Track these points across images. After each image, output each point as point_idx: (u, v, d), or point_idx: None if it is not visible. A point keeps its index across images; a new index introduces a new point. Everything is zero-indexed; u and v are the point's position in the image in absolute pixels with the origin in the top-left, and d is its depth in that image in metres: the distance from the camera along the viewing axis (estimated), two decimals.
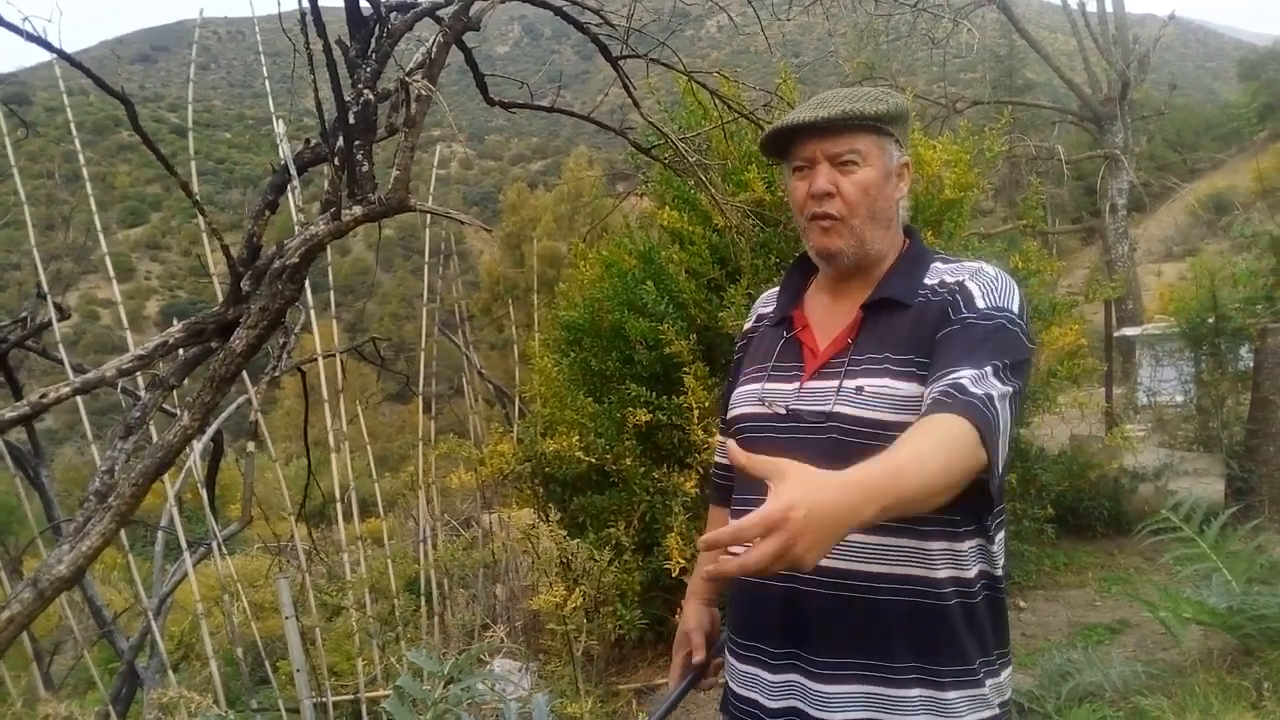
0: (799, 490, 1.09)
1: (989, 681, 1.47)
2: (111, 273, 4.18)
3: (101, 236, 4.26)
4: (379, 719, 3.70)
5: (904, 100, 1.59)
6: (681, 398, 4.53)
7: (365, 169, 2.40)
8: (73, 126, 4.24)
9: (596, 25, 3.11)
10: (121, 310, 4.25)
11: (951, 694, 1.43)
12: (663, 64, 3.45)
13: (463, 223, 2.91)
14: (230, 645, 4.36)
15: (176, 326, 2.59)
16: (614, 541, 4.46)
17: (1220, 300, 8.10)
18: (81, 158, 4.37)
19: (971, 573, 1.47)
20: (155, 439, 2.65)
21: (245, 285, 2.53)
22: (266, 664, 4.36)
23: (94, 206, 4.31)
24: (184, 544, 4.00)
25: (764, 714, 1.53)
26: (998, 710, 1.48)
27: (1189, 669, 3.95)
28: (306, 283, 3.43)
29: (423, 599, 4.87)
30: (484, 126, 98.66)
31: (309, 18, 2.19)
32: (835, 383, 1.51)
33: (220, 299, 2.61)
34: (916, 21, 15.31)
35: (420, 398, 5.17)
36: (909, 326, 1.50)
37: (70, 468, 11.51)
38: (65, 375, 3.70)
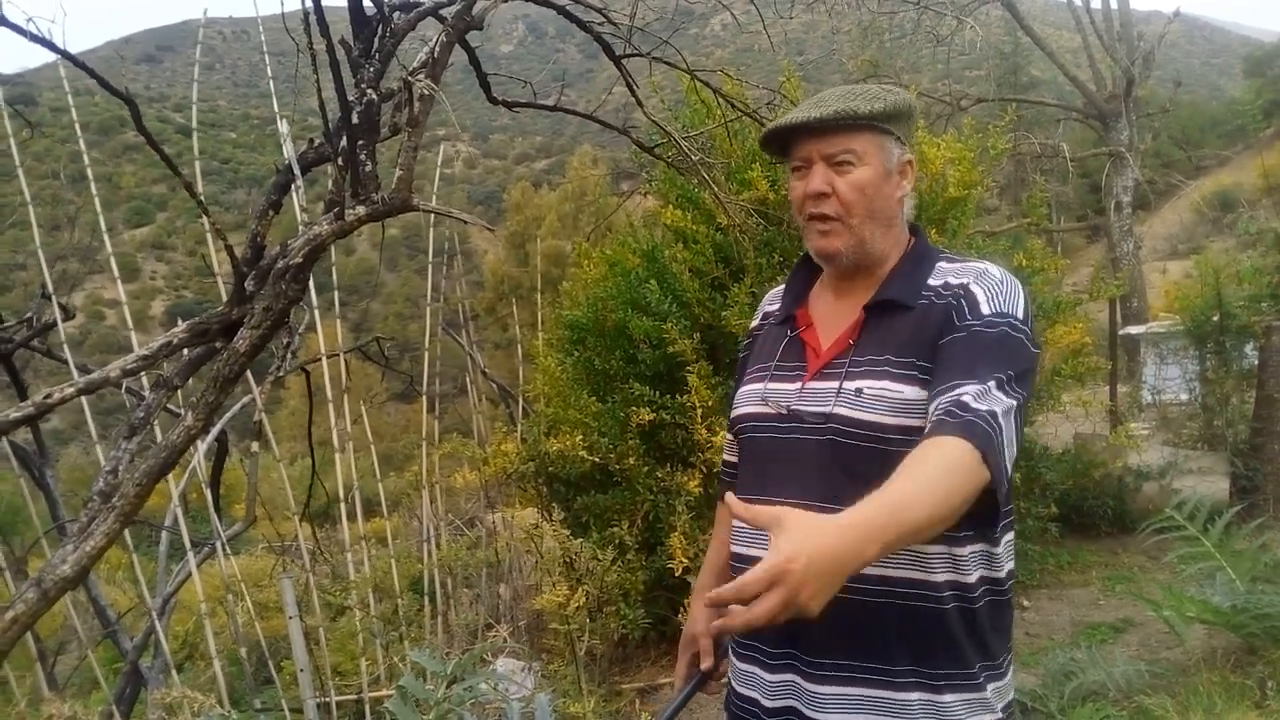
0: (798, 541, 1.11)
1: (990, 686, 1.46)
2: (116, 273, 4.19)
3: (106, 237, 4.27)
4: (383, 719, 3.71)
5: (907, 96, 1.58)
6: (685, 397, 4.53)
7: (369, 169, 2.40)
8: (78, 127, 4.25)
9: (600, 24, 3.10)
10: (126, 310, 4.26)
11: (949, 697, 1.43)
12: (666, 62, 3.45)
13: (466, 222, 2.91)
14: (234, 645, 4.37)
15: (180, 327, 2.59)
16: (617, 541, 4.46)
17: (1225, 298, 8.07)
18: (87, 158, 4.37)
19: (972, 578, 1.45)
20: (159, 439, 2.65)
21: (249, 285, 2.53)
22: (270, 664, 4.36)
23: (99, 207, 4.31)
24: (188, 544, 4.01)
25: (762, 713, 1.54)
26: (1000, 714, 1.47)
27: (1193, 668, 3.95)
28: (311, 282, 3.45)
29: (426, 599, 4.88)
30: (488, 125, 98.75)
31: (312, 17, 2.20)
32: (836, 384, 1.50)
33: (225, 299, 2.62)
34: (921, 19, 15.31)
35: (425, 397, 5.17)
36: (911, 329, 1.49)
37: (76, 467, 11.56)
38: (70, 375, 3.70)
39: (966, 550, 1.44)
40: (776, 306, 1.74)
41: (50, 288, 3.95)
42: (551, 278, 14.61)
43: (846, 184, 1.52)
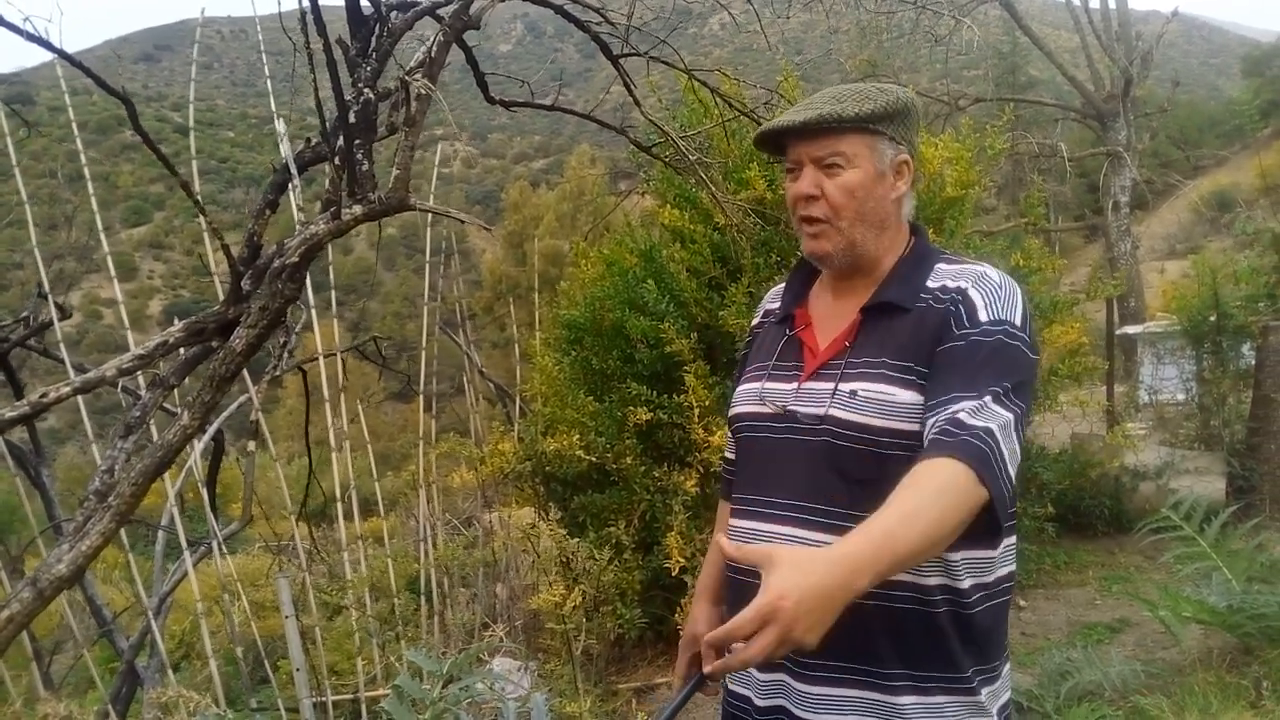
0: (788, 578, 1.13)
1: (985, 690, 1.46)
2: (113, 272, 4.18)
3: (104, 236, 4.26)
4: (379, 718, 3.71)
5: (903, 95, 1.55)
6: (682, 396, 4.53)
7: (365, 168, 2.40)
8: (75, 126, 4.24)
9: (597, 24, 3.10)
10: (123, 310, 4.25)
11: (940, 699, 1.43)
12: (664, 62, 3.44)
13: (463, 221, 2.91)
14: (230, 645, 4.36)
15: (177, 326, 2.59)
16: (614, 540, 4.46)
17: (1222, 298, 8.08)
18: (84, 157, 4.37)
19: (965, 583, 1.44)
20: (156, 438, 2.65)
21: (246, 284, 2.53)
22: (266, 663, 4.36)
23: (96, 206, 4.30)
24: (184, 543, 4.00)
25: (754, 711, 1.55)
26: (995, 717, 1.47)
27: (1188, 668, 3.95)
28: (308, 282, 3.45)
29: (423, 598, 4.88)
30: (486, 125, 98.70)
31: (309, 17, 2.19)
32: (832, 385, 1.50)
33: (222, 298, 2.62)
34: (919, 19, 15.31)
35: (422, 397, 5.17)
36: (909, 331, 1.48)
37: (73, 467, 11.54)
38: (67, 375, 3.70)
39: (959, 555, 1.43)
40: (777, 305, 1.74)
41: (47, 287, 3.95)
42: (549, 277, 14.63)
43: (835, 187, 1.51)
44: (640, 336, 4.89)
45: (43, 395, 2.47)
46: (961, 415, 1.33)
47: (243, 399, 4.26)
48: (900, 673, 1.43)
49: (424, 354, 5.24)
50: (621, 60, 3.21)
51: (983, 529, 1.33)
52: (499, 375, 7.02)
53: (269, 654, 4.49)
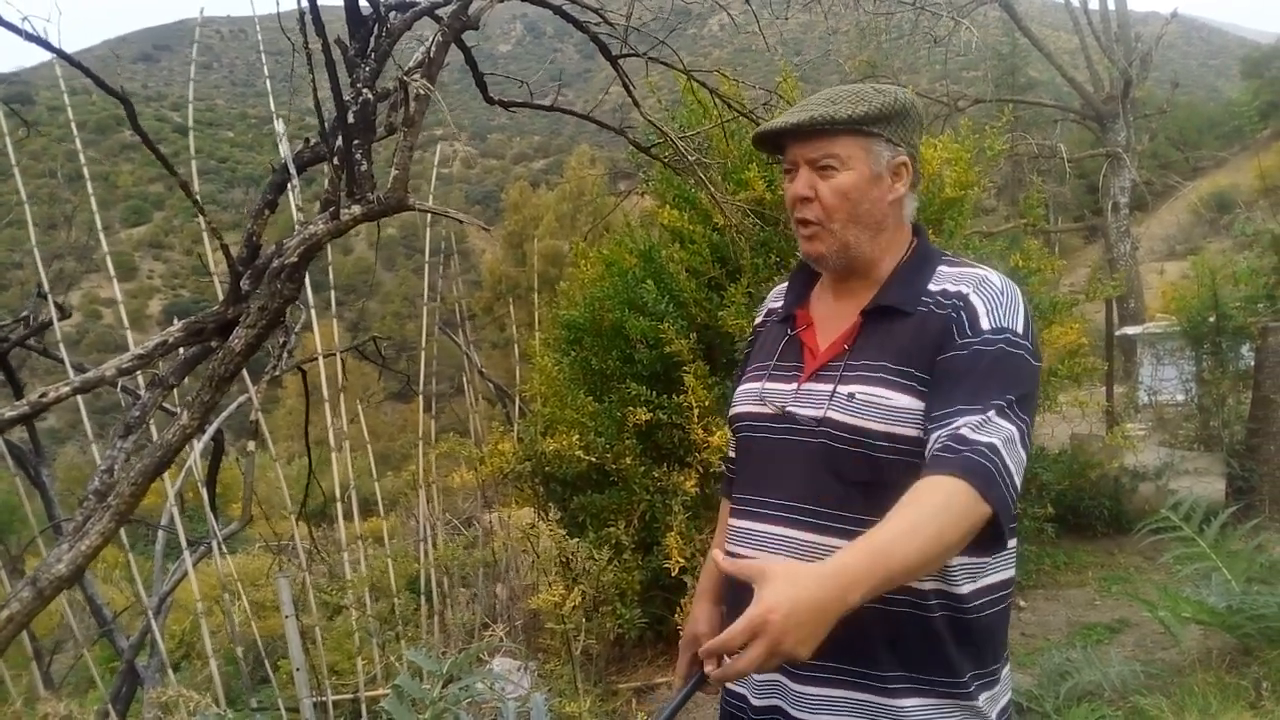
0: (779, 592, 1.15)
1: (983, 695, 1.45)
2: (113, 272, 4.18)
3: (103, 236, 4.26)
4: (379, 718, 3.71)
5: (901, 96, 1.54)
6: (681, 397, 4.53)
7: (364, 168, 2.40)
8: (74, 126, 4.24)
9: (596, 24, 3.10)
10: (123, 309, 4.25)
11: (935, 702, 1.42)
12: (662, 62, 3.44)
13: (461, 221, 2.91)
14: (230, 644, 4.36)
15: (176, 326, 2.60)
16: (614, 540, 4.47)
17: (1221, 299, 8.09)
18: (83, 157, 4.37)
19: (962, 588, 1.44)
20: (155, 438, 2.66)
21: (245, 284, 2.53)
22: (267, 663, 4.36)
23: (96, 205, 4.30)
24: (184, 543, 4.00)
25: (750, 710, 1.55)
26: None
27: (1188, 668, 3.95)
28: (307, 281, 3.45)
29: (423, 598, 4.88)
30: (486, 125, 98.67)
31: (308, 17, 2.20)
32: (830, 387, 1.50)
33: (221, 298, 2.62)
34: (918, 20, 15.32)
35: (421, 397, 5.17)
36: (910, 335, 1.47)
37: (73, 466, 11.54)
38: (66, 374, 3.70)
39: (956, 561, 1.41)
40: (780, 304, 1.73)
41: (46, 286, 3.95)
42: (549, 277, 14.63)
43: (828, 189, 1.51)
44: (640, 337, 4.90)
45: (42, 395, 2.47)
46: (964, 431, 1.32)
47: (242, 399, 4.26)
48: (896, 675, 1.42)
49: (423, 354, 5.24)
50: (620, 61, 3.21)
51: (988, 539, 1.33)
52: (498, 375, 7.01)
53: (269, 654, 4.49)
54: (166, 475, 3.71)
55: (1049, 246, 12.50)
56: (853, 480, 1.44)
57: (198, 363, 2.64)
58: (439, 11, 2.65)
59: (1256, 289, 8.17)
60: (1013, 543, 1.50)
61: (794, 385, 1.56)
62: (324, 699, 4.11)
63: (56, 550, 2.31)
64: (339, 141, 2.40)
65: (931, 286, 1.51)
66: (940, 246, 1.67)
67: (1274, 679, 3.63)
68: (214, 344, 2.57)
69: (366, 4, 2.48)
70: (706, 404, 4.48)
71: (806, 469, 1.49)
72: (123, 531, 3.43)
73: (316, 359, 4.36)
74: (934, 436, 1.36)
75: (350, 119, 2.35)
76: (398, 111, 2.53)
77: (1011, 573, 1.52)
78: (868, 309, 1.53)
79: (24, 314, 4.04)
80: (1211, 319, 8.18)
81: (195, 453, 4.13)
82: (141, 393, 2.78)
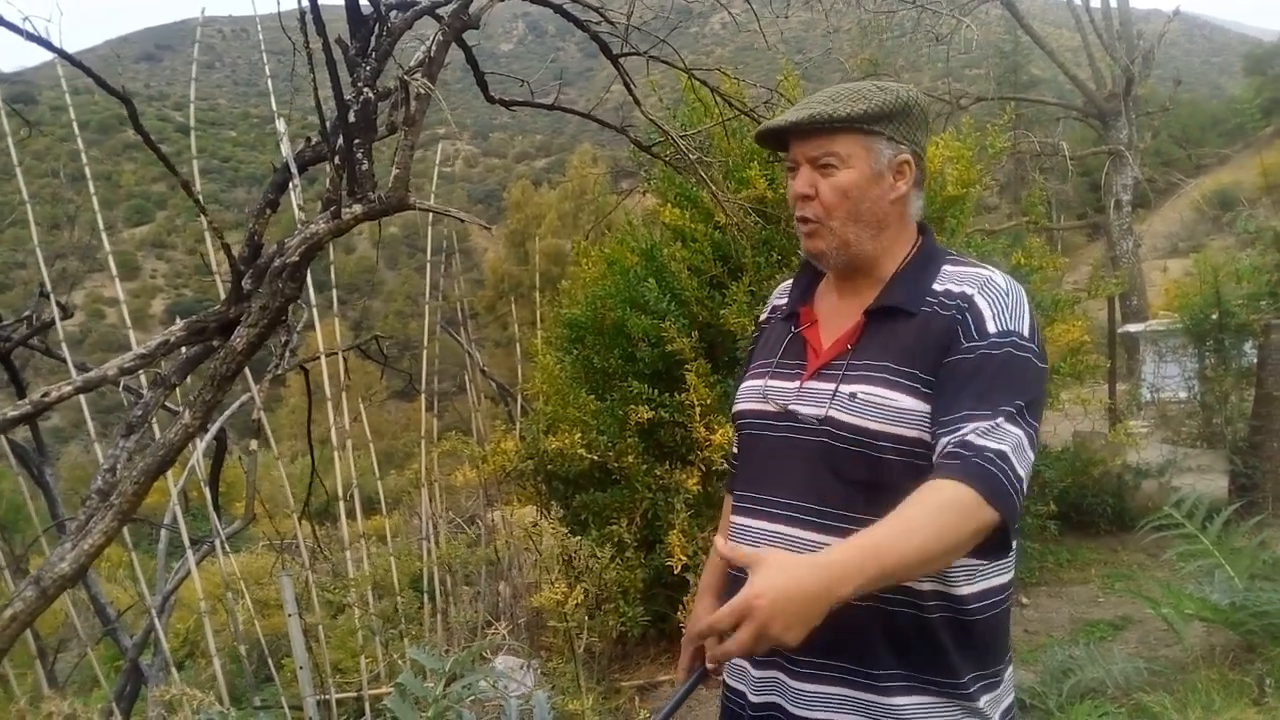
0: (768, 578, 1.18)
1: (984, 696, 1.45)
2: (115, 271, 4.18)
3: (105, 235, 4.26)
4: (382, 716, 3.71)
5: (904, 94, 1.53)
6: (683, 395, 4.54)
7: (365, 167, 2.41)
8: (76, 125, 4.24)
9: (597, 23, 3.10)
10: (125, 309, 4.26)
11: (934, 701, 1.42)
12: (664, 61, 3.44)
13: (463, 220, 2.91)
14: (234, 643, 4.37)
15: (178, 325, 2.60)
16: (616, 539, 4.47)
17: (1224, 296, 8.09)
18: (85, 156, 4.37)
19: (961, 590, 1.43)
20: (158, 437, 2.66)
21: (246, 284, 2.53)
22: (270, 661, 4.37)
23: (98, 205, 4.30)
24: (187, 542, 4.01)
25: (749, 707, 1.55)
26: None
27: (1191, 665, 3.95)
28: (309, 280, 3.46)
29: (426, 596, 4.88)
30: (488, 124, 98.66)
31: (309, 16, 2.20)
32: (832, 386, 1.49)
33: (224, 297, 2.63)
34: (920, 18, 15.31)
35: (424, 395, 5.18)
36: (914, 335, 1.46)
37: (76, 466, 11.56)
38: (69, 374, 3.71)
39: (955, 563, 1.40)
40: (785, 301, 1.73)
41: (49, 286, 3.95)
42: (551, 276, 14.61)
43: (828, 187, 1.50)
44: (642, 335, 4.90)
45: (45, 394, 2.48)
46: (972, 436, 1.32)
47: (245, 398, 4.26)
48: (894, 674, 1.42)
49: (426, 353, 5.25)
50: (622, 60, 3.21)
51: (995, 545, 1.33)
52: (501, 374, 7.02)
53: (273, 652, 4.49)
54: (169, 474, 3.71)
55: (1051, 244, 12.51)
56: (853, 480, 1.44)
57: (200, 362, 2.65)
58: (440, 11, 2.65)
59: (1259, 286, 8.16)
60: (1014, 542, 1.50)
61: (796, 383, 1.56)
62: (327, 697, 4.11)
63: (60, 549, 2.31)
64: (340, 141, 2.40)
65: (936, 286, 1.50)
66: (944, 245, 1.67)
67: (1277, 676, 3.62)
68: (216, 343, 2.57)
69: (367, 3, 2.48)
70: (708, 402, 4.48)
71: (807, 468, 1.49)
72: (126, 530, 3.42)
73: (319, 358, 4.36)
74: (942, 442, 1.35)
75: (351, 118, 2.35)
76: (399, 111, 2.53)
77: (1011, 575, 1.52)
78: (871, 308, 1.52)
79: (27, 313, 4.04)
80: (1214, 316, 8.18)
81: (198, 452, 4.13)
82: (144, 392, 2.78)
